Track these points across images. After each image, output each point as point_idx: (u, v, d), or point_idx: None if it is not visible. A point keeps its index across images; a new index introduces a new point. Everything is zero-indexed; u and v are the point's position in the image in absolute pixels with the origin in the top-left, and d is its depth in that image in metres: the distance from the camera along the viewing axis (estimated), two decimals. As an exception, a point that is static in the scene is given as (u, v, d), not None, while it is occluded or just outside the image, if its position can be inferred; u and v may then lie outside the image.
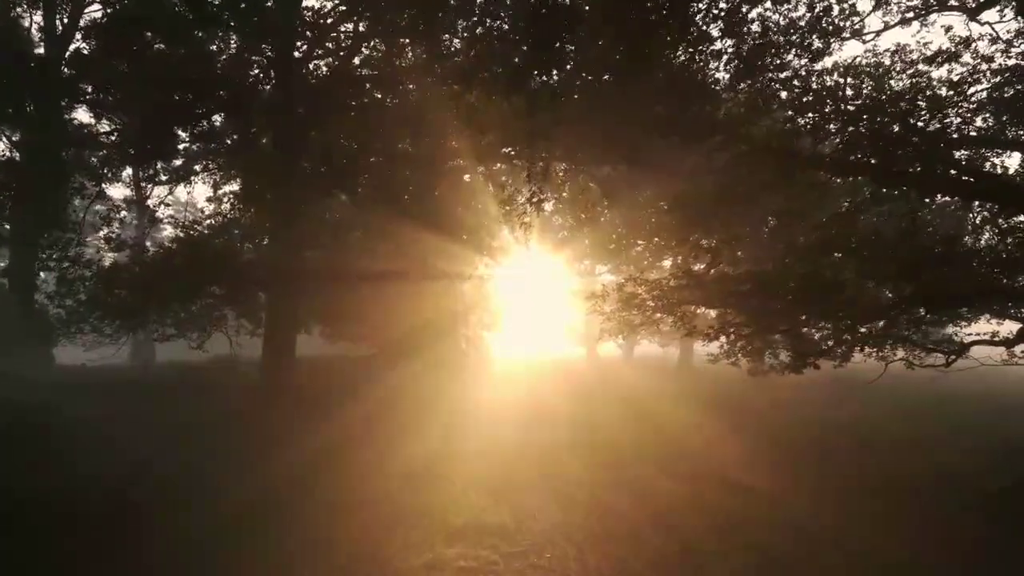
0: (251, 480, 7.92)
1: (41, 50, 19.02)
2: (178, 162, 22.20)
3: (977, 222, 10.98)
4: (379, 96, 17.30)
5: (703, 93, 10.70)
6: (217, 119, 22.39)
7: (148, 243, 20.79)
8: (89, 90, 18.24)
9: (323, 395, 14.79)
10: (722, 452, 10.24)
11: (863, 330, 10.84)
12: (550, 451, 9.96)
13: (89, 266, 15.10)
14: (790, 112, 9.89)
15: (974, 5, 11.38)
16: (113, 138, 17.55)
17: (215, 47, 17.74)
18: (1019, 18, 10.39)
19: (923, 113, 9.31)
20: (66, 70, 18.00)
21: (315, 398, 14.38)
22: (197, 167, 22.83)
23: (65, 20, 18.89)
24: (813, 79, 10.44)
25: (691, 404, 15.81)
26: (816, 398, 17.00)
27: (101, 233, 19.76)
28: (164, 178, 23.78)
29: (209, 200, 20.37)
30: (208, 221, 16.78)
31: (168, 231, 29.69)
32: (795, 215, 9.65)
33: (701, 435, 11.68)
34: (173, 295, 14.91)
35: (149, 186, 24.84)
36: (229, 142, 19.84)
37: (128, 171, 20.93)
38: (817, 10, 10.37)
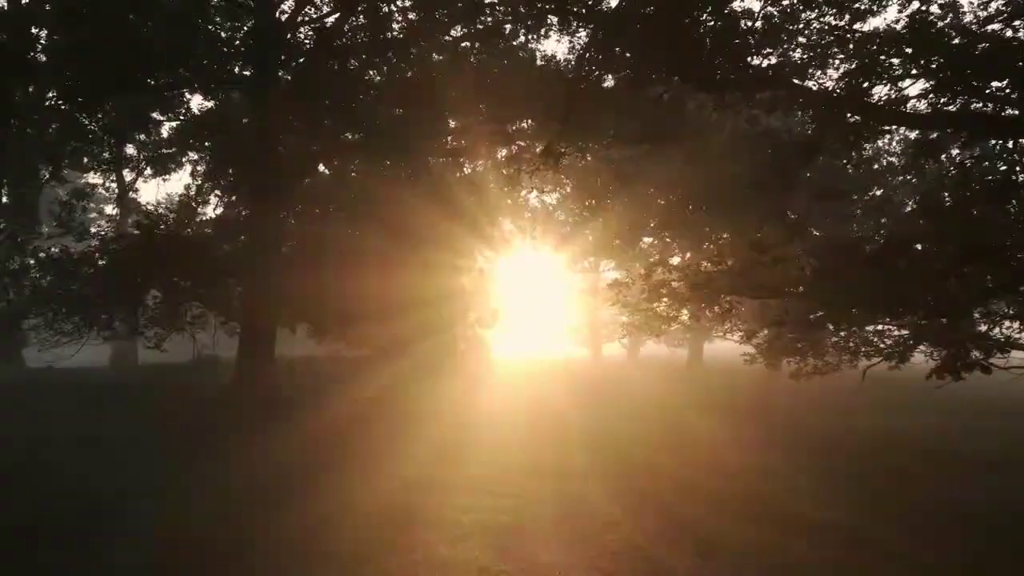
0: (159, 526, 5.69)
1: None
2: (150, 154, 20.08)
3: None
4: (370, 68, 15.14)
5: (741, 43, 8.63)
6: (192, 100, 20.32)
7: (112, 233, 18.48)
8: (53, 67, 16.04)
9: (299, 400, 12.65)
10: (780, 477, 8.03)
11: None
12: (568, 478, 7.73)
13: (35, 254, 12.90)
14: (864, 54, 7.78)
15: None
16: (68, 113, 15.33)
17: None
18: None
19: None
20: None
21: (289, 403, 12.23)
22: (184, 158, 20.76)
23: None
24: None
25: (718, 412, 13.59)
26: (853, 404, 14.83)
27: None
28: (148, 170, 21.79)
29: (187, 188, 18.28)
30: (178, 209, 14.63)
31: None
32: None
33: (745, 453, 9.46)
34: (132, 288, 12.76)
35: (129, 174, 22.88)
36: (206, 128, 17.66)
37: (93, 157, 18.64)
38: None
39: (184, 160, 20.79)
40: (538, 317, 32.78)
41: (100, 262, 12.85)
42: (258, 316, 13.80)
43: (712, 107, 8.74)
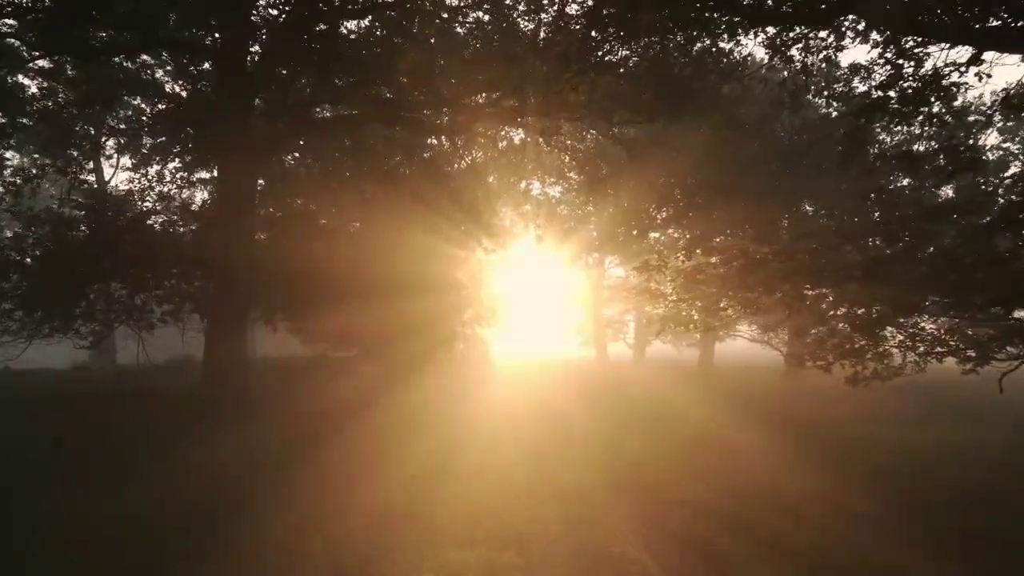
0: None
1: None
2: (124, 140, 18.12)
3: None
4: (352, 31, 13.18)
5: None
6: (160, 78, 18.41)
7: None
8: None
9: (270, 404, 10.72)
10: (864, 517, 6.01)
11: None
12: (587, 511, 5.74)
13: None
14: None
15: None
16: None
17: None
18: None
19: None
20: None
21: (258, 407, 10.32)
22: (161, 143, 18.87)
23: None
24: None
25: (750, 422, 11.61)
26: (899, 412, 12.82)
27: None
28: (124, 159, 19.89)
29: (158, 173, 16.40)
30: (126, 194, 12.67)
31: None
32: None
33: (804, 479, 7.43)
34: (74, 280, 10.84)
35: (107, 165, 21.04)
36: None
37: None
38: None
39: (160, 146, 18.97)
40: (541, 315, 30.88)
41: (40, 248, 10.93)
42: (226, 308, 11.87)
43: (765, 48, 6.86)
